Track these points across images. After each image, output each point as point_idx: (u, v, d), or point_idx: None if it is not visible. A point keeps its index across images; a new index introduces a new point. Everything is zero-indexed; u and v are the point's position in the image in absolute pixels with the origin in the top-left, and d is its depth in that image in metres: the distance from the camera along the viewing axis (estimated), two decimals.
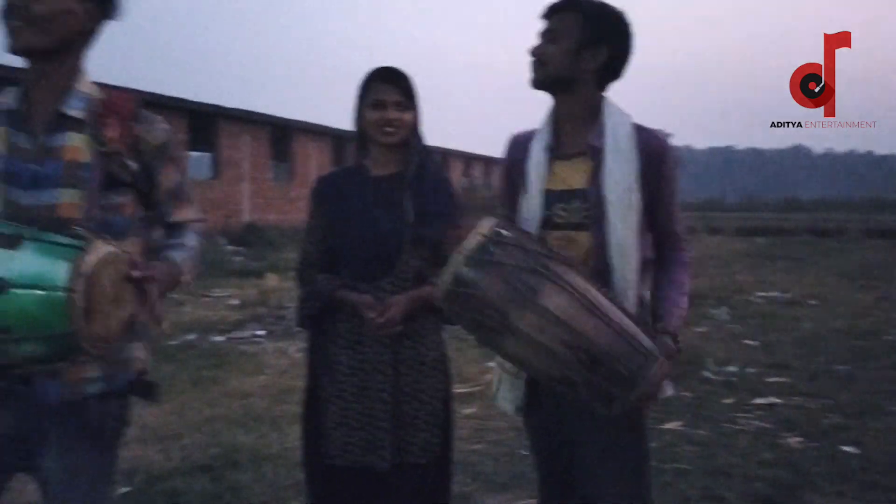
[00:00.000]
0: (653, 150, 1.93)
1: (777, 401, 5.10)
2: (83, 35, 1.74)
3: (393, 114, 2.26)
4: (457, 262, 1.70)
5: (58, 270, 1.44)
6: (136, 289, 1.61)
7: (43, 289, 1.43)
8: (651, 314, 1.98)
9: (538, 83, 1.98)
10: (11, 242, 1.45)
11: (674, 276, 2.01)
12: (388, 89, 2.27)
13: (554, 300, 1.66)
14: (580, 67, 1.93)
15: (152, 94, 16.21)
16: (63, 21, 1.67)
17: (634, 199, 1.90)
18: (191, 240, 1.93)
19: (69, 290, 1.43)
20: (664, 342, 1.81)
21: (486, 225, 1.74)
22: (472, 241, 1.71)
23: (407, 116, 2.29)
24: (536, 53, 1.96)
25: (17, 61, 1.74)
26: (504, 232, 1.74)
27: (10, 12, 1.64)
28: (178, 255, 1.86)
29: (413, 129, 2.33)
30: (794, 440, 4.30)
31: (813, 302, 9.60)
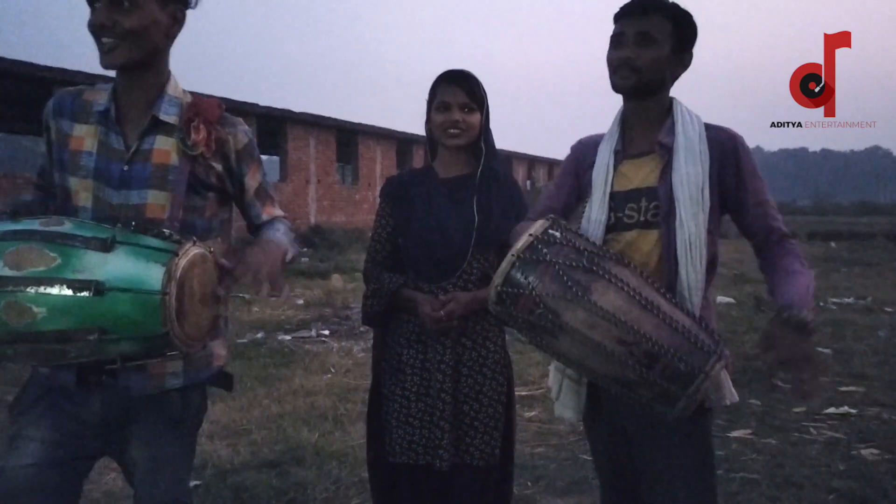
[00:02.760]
0: (725, 146, 1.89)
1: (851, 411, 4.92)
2: (169, 39, 1.80)
3: (457, 115, 2.27)
4: (507, 263, 1.70)
5: (151, 274, 1.49)
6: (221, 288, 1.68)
7: (138, 292, 1.48)
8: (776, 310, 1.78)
9: (629, 89, 1.90)
10: (105, 246, 1.50)
11: (782, 263, 1.85)
12: (453, 91, 2.28)
13: (606, 297, 1.63)
14: (671, 74, 1.90)
15: (223, 99, 16.60)
16: (152, 32, 1.72)
17: (706, 197, 1.85)
18: (284, 226, 1.97)
19: (163, 293, 1.48)
20: (783, 319, 1.66)
21: (537, 226, 1.74)
22: (522, 241, 1.71)
23: (472, 118, 2.29)
24: (627, 58, 1.86)
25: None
26: (555, 232, 1.73)
27: (100, 30, 1.68)
28: (275, 234, 1.90)
29: (480, 132, 2.33)
30: (868, 452, 4.15)
31: (889, 309, 9.25)
